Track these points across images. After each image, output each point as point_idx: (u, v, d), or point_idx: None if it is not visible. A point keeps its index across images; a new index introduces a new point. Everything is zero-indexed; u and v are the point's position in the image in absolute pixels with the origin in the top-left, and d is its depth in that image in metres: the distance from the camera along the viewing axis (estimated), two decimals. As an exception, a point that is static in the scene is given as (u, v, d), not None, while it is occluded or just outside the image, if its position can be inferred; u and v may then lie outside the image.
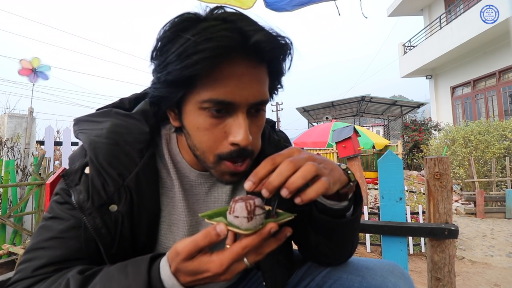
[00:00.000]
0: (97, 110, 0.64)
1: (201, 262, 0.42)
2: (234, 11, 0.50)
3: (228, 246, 0.42)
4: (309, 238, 0.65)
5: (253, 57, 0.49)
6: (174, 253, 0.43)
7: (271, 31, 0.49)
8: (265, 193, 0.41)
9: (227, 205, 0.49)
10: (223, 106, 0.50)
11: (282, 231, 0.45)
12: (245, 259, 0.43)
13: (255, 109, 0.53)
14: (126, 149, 0.56)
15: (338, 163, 0.55)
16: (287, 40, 0.51)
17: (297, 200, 0.42)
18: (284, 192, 0.41)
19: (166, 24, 0.50)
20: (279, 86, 0.59)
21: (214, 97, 0.49)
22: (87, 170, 0.54)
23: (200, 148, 0.54)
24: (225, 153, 0.52)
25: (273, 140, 0.71)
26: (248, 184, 0.42)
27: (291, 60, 0.54)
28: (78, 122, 0.62)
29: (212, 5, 0.52)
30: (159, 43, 0.50)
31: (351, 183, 0.54)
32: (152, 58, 0.53)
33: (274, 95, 0.60)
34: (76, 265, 0.53)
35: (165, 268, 0.45)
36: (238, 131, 0.50)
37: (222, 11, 0.50)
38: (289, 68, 0.55)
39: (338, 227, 0.59)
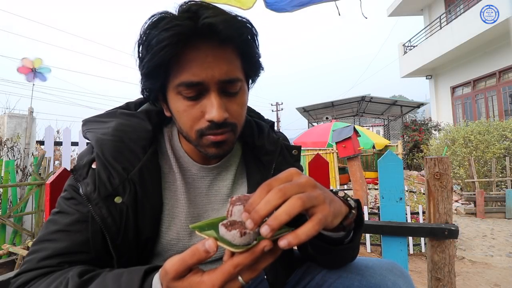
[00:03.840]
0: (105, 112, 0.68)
1: (192, 283, 0.39)
2: (198, 2, 0.55)
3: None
4: (307, 248, 0.64)
5: (214, 39, 0.54)
6: (163, 272, 0.41)
7: (226, 14, 0.54)
8: (249, 224, 0.37)
9: (221, 216, 0.44)
10: (195, 87, 0.54)
11: (278, 244, 0.40)
12: (239, 278, 0.40)
13: (229, 87, 0.57)
14: (130, 146, 0.60)
15: (336, 189, 0.52)
16: (243, 19, 0.56)
17: (282, 244, 0.37)
18: (265, 231, 0.36)
19: (141, 27, 0.56)
20: (257, 66, 0.63)
21: (184, 80, 0.54)
22: (94, 165, 0.57)
23: (184, 128, 0.59)
24: (203, 128, 0.57)
25: (272, 138, 0.73)
26: (244, 215, 0.39)
27: (256, 39, 0.59)
28: (86, 122, 0.66)
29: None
30: (137, 45, 0.57)
31: (353, 211, 0.51)
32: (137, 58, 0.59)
33: (254, 76, 0.65)
34: (80, 258, 0.55)
35: (157, 286, 0.43)
36: (211, 109, 0.55)
37: (188, 4, 0.54)
38: (258, 48, 0.60)
39: (334, 251, 0.58)
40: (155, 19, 0.54)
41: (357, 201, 0.54)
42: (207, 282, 0.38)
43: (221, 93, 0.56)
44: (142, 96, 0.67)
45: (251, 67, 0.62)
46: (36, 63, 4.15)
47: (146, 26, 0.55)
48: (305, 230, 0.38)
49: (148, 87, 0.60)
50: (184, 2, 0.55)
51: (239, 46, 0.57)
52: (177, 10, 0.55)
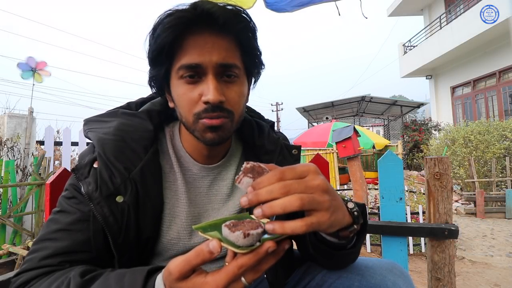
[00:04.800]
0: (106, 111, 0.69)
1: (195, 283, 0.40)
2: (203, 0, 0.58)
3: (227, 264, 0.40)
4: (308, 249, 0.63)
5: (214, 27, 0.57)
6: (167, 273, 0.41)
7: (224, 6, 0.57)
8: (243, 202, 0.39)
9: (223, 217, 0.45)
10: (193, 70, 0.57)
11: (281, 245, 0.42)
12: (242, 279, 0.40)
13: (226, 73, 0.59)
14: (132, 145, 0.60)
15: (347, 198, 0.51)
16: (240, 9, 0.59)
17: (269, 227, 0.39)
18: (258, 213, 0.38)
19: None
20: (257, 60, 0.64)
21: (184, 62, 0.57)
22: (95, 165, 0.58)
23: (183, 112, 0.60)
24: (200, 111, 0.58)
25: (272, 138, 0.74)
26: (249, 190, 0.40)
27: (254, 32, 0.62)
28: (87, 122, 0.66)
29: None
30: (147, 39, 0.60)
31: (355, 226, 0.50)
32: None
33: (255, 71, 0.66)
34: (81, 258, 0.55)
35: (160, 286, 0.43)
36: (208, 91, 0.56)
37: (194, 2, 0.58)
38: (256, 41, 0.63)
39: (336, 255, 0.58)
40: (163, 15, 0.58)
41: (363, 211, 0.53)
42: (211, 283, 0.39)
43: (218, 77, 0.58)
44: (143, 94, 0.69)
45: (251, 60, 0.63)
46: (40, 65, 4.14)
47: (157, 20, 0.59)
48: (293, 226, 0.39)
49: (154, 75, 0.62)
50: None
51: (237, 35, 0.60)
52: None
